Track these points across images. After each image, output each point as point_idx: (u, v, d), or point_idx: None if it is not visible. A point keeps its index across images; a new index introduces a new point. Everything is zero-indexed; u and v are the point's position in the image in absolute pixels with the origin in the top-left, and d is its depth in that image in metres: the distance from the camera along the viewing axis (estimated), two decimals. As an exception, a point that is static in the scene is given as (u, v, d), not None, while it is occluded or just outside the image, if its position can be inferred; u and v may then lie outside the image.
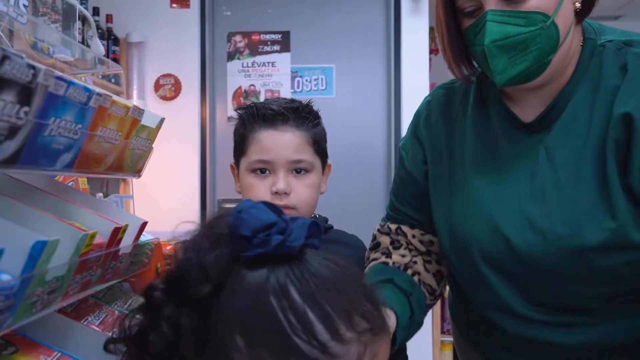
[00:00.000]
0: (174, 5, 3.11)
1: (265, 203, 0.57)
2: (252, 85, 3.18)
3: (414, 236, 1.04)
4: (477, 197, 0.92)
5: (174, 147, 2.99)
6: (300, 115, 1.00)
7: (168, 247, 1.01)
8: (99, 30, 2.74)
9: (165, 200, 2.95)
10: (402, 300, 0.92)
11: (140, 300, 0.70)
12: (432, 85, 3.41)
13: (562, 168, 0.86)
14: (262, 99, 3.17)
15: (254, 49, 3.20)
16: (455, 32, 0.87)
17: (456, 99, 1.01)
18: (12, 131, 0.51)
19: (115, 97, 0.72)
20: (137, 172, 0.89)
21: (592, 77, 0.86)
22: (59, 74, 0.56)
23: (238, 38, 3.21)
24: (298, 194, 0.98)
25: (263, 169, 0.99)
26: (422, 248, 1.04)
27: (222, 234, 0.54)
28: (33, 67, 0.51)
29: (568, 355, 0.90)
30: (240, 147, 1.03)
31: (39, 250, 0.52)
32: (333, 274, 0.56)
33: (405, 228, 1.05)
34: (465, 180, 0.94)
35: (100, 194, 2.30)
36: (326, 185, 1.08)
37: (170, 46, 3.10)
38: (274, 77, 3.18)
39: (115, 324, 0.59)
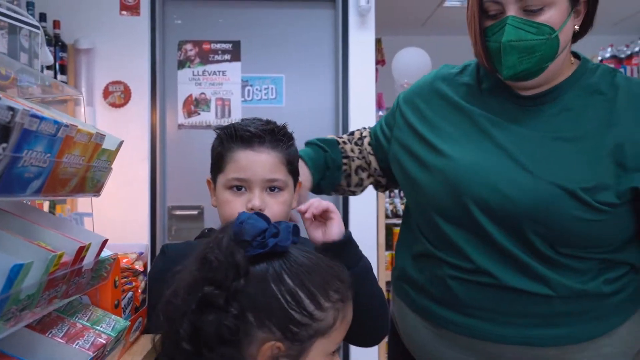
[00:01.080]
0: (124, 12, 3.12)
1: (257, 214, 0.81)
2: (203, 93, 3.22)
3: (369, 153, 1.35)
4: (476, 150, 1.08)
5: (123, 155, 2.99)
6: (275, 137, 1.08)
7: (124, 260, 1.07)
8: (47, 37, 2.72)
9: (115, 208, 2.95)
10: (318, 151, 1.32)
11: (99, 311, 0.82)
12: (378, 95, 3.54)
13: (555, 131, 1.05)
14: (212, 107, 3.21)
15: (205, 58, 3.24)
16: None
17: (463, 78, 1.20)
18: (-8, 165, 0.56)
19: (80, 126, 0.78)
20: (97, 192, 0.94)
21: (586, 82, 1.09)
22: (34, 111, 0.62)
23: (189, 46, 3.24)
24: (272, 210, 1.04)
25: (239, 186, 1.06)
26: (363, 159, 1.36)
27: (235, 240, 0.78)
28: (12, 109, 0.57)
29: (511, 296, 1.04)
30: (218, 164, 1.10)
31: (16, 273, 0.58)
32: (311, 262, 0.80)
33: (368, 146, 1.36)
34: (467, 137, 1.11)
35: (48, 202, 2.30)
36: (297, 201, 1.15)
37: (120, 53, 3.10)
38: (224, 85, 3.23)
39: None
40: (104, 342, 0.81)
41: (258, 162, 1.05)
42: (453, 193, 1.06)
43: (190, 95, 3.22)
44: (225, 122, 3.18)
